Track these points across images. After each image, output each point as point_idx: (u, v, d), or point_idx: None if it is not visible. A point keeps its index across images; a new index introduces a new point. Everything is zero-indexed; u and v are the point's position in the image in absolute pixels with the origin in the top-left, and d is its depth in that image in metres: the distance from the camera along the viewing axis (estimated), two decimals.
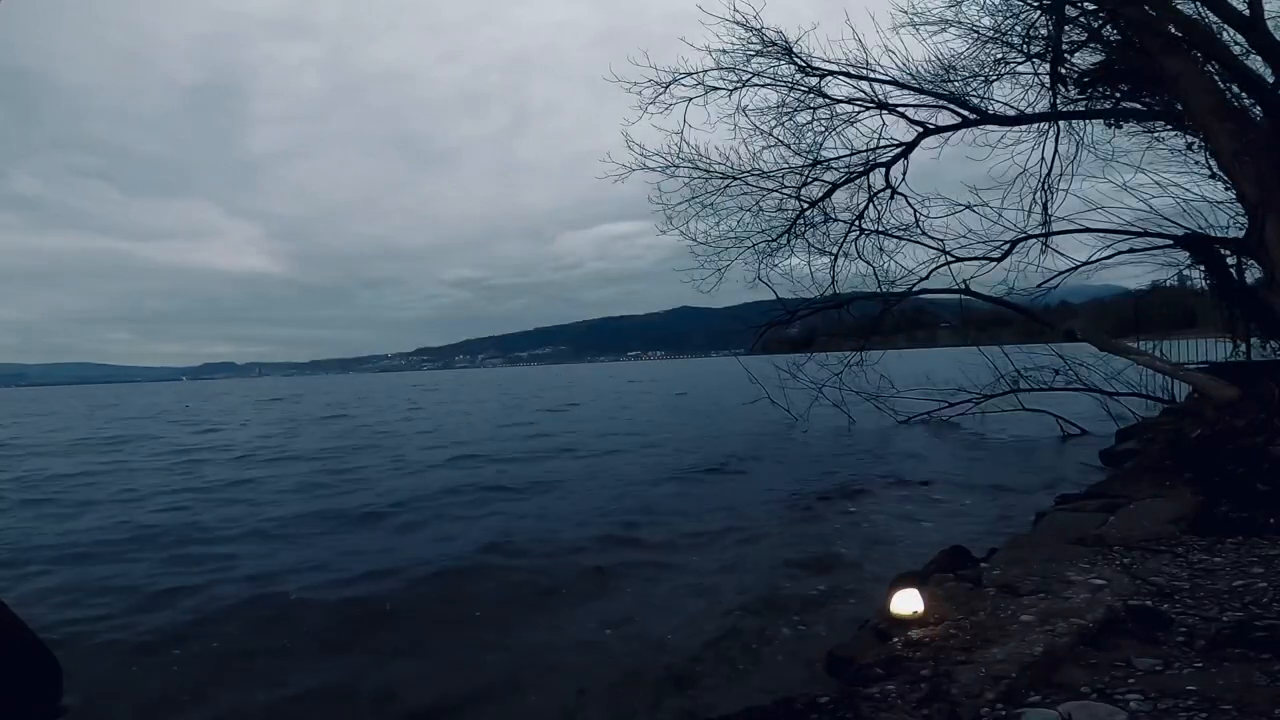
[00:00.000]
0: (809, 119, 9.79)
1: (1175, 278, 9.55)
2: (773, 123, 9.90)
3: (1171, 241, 8.84)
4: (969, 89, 9.48)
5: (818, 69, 9.49)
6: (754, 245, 11.06)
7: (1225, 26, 7.26)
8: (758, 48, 9.44)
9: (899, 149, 9.98)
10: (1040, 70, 9.36)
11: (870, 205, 10.55)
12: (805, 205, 10.64)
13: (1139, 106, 9.09)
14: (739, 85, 9.70)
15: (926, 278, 10.89)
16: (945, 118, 9.67)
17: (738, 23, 9.31)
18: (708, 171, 10.32)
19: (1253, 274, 8.14)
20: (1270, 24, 6.92)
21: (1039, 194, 9.96)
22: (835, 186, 10.48)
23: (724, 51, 9.50)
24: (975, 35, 9.27)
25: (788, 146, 10.04)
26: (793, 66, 9.51)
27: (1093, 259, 9.53)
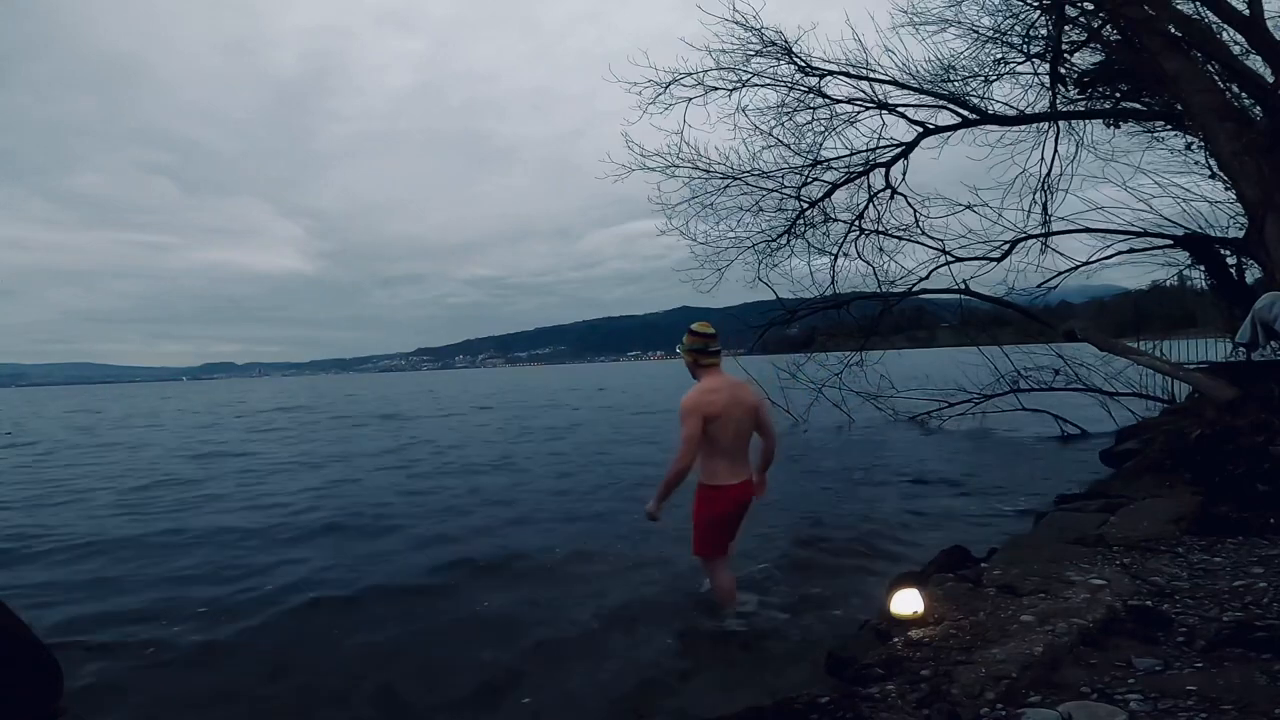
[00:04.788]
0: (809, 119, 9.83)
1: (1175, 278, 9.58)
2: (773, 123, 9.94)
3: (1171, 241, 8.86)
4: (969, 89, 9.52)
5: (817, 69, 9.51)
6: (754, 245, 11.10)
7: (1225, 26, 7.26)
8: (757, 48, 9.47)
9: (899, 149, 9.99)
10: (1040, 70, 9.39)
11: (870, 205, 10.59)
12: (805, 205, 10.66)
13: (1139, 106, 9.11)
14: (739, 85, 9.72)
15: (926, 278, 10.92)
16: (945, 118, 9.70)
17: (737, 23, 9.33)
18: (707, 171, 10.36)
19: (1253, 274, 8.15)
20: (1270, 23, 6.93)
21: (1039, 194, 10.01)
22: (835, 186, 10.50)
23: (724, 51, 9.54)
24: (975, 35, 9.31)
25: (788, 146, 10.08)
26: (792, 66, 9.54)
27: (1093, 259, 9.57)
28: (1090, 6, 8.64)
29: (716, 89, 9.76)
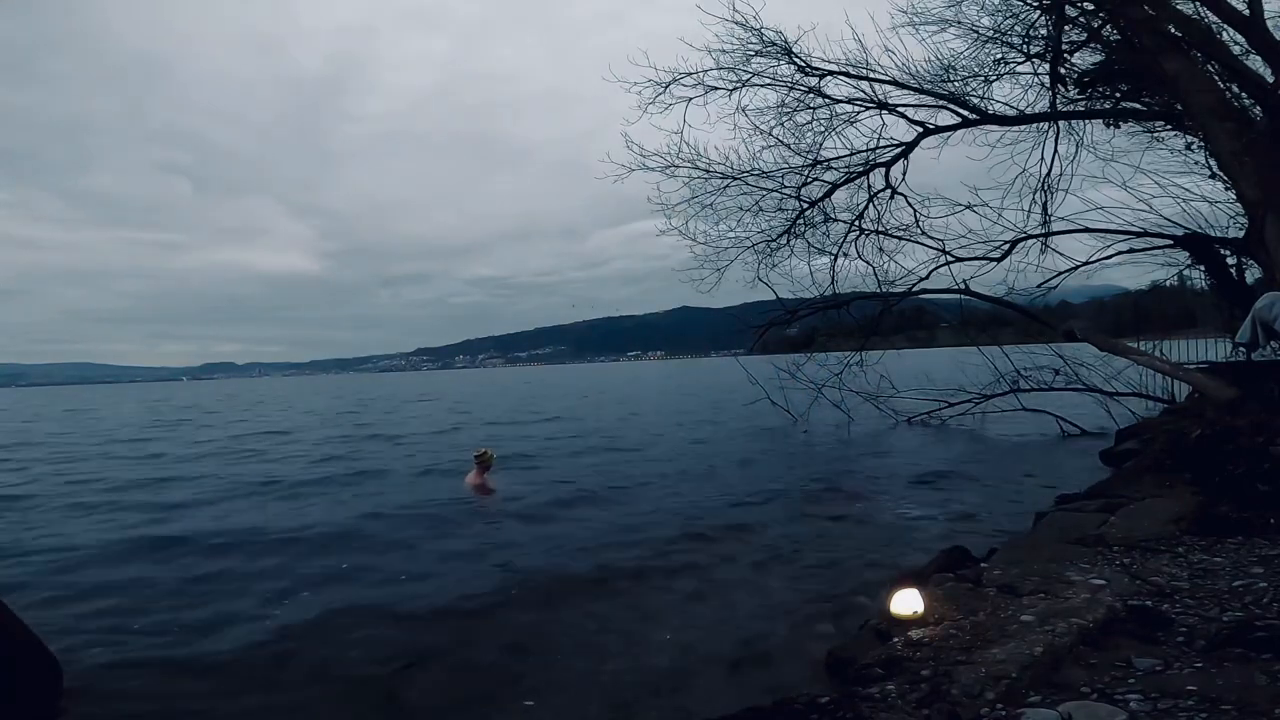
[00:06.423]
0: (809, 119, 9.82)
1: (1175, 278, 9.59)
2: (772, 123, 9.92)
3: (1171, 241, 8.86)
4: (969, 89, 9.51)
5: (817, 69, 9.50)
6: (754, 245, 11.08)
7: (1225, 26, 7.26)
8: (757, 48, 9.47)
9: (899, 149, 9.99)
10: (1040, 70, 9.38)
11: (870, 205, 10.57)
12: (805, 205, 10.65)
13: (1139, 106, 9.10)
14: (739, 85, 9.72)
15: (926, 278, 10.91)
16: (945, 118, 9.70)
17: (737, 23, 9.32)
18: (707, 171, 10.34)
19: (1253, 274, 8.15)
20: (1270, 23, 6.93)
21: (1039, 194, 10.00)
22: (835, 186, 10.49)
23: (724, 51, 9.54)
24: (975, 35, 9.30)
25: (788, 146, 10.07)
26: (792, 66, 9.53)
27: (1093, 259, 9.58)
28: (1090, 6, 8.64)
29: (716, 89, 9.76)
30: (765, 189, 10.45)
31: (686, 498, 7.40)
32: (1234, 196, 7.78)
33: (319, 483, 9.22)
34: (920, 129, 9.77)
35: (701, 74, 9.63)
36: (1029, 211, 10.03)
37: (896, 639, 2.63)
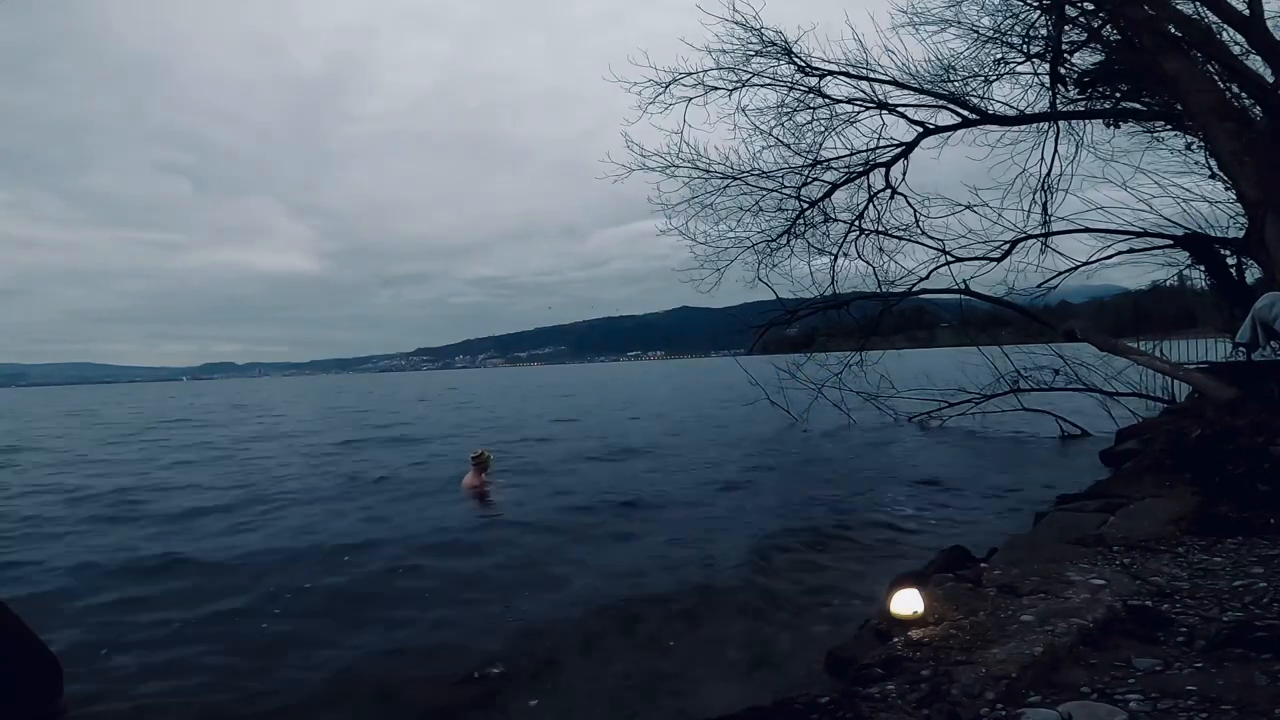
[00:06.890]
0: (809, 119, 9.82)
1: (1175, 278, 9.58)
2: (772, 123, 9.93)
3: (1171, 241, 8.86)
4: (969, 89, 9.51)
5: (817, 69, 9.50)
6: (754, 245, 11.08)
7: (1225, 26, 7.26)
8: (757, 48, 9.47)
9: (899, 149, 9.99)
10: (1040, 70, 9.39)
11: (870, 205, 10.58)
12: (805, 205, 10.66)
13: (1139, 106, 9.10)
14: (739, 85, 9.72)
15: (926, 278, 10.92)
16: (945, 118, 9.70)
17: (737, 23, 9.33)
18: (707, 171, 10.34)
19: (1253, 274, 8.15)
20: (1270, 23, 6.93)
21: (1039, 194, 10.00)
22: (835, 186, 10.49)
23: (724, 51, 9.55)
24: (975, 35, 9.31)
25: (787, 146, 10.08)
26: (792, 66, 9.54)
27: (1093, 259, 9.58)
28: (1090, 6, 8.65)
29: (716, 89, 9.76)
30: (765, 189, 10.46)
31: (685, 498, 7.39)
32: (1234, 196, 7.78)
33: (319, 487, 9.23)
34: (920, 129, 9.78)
35: (701, 74, 9.64)
36: (1029, 211, 10.05)
37: (896, 639, 2.63)
